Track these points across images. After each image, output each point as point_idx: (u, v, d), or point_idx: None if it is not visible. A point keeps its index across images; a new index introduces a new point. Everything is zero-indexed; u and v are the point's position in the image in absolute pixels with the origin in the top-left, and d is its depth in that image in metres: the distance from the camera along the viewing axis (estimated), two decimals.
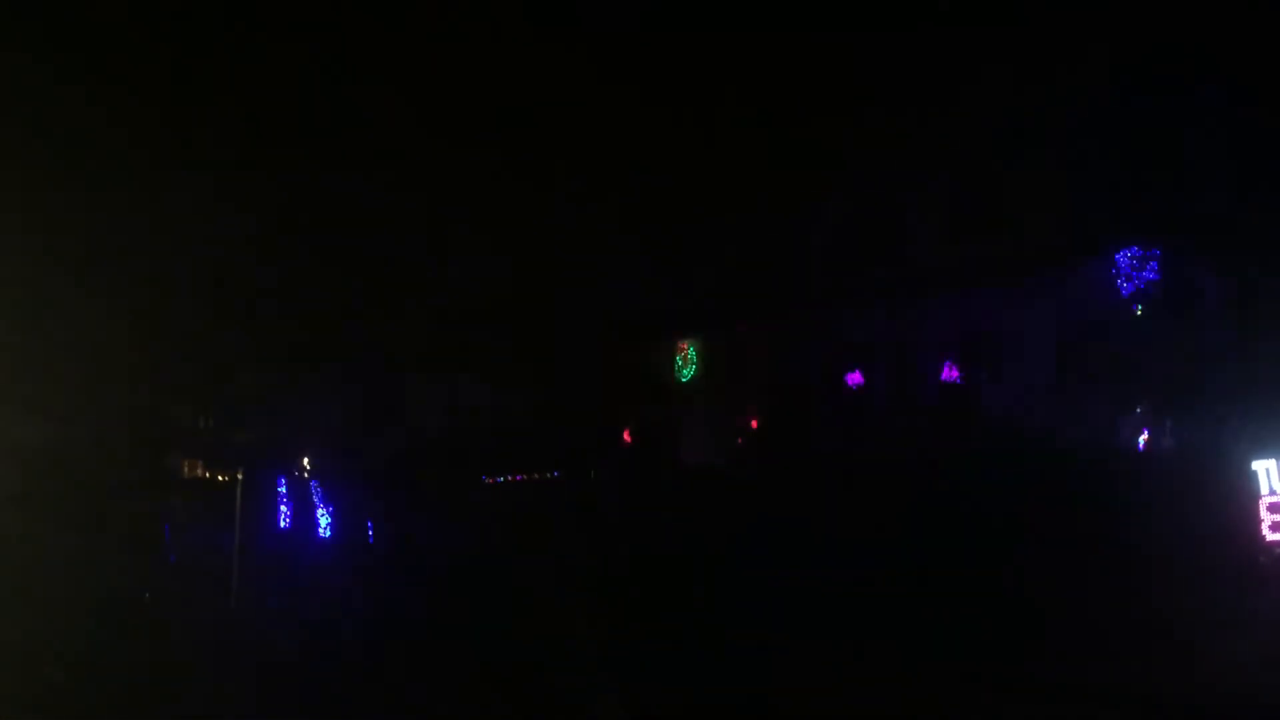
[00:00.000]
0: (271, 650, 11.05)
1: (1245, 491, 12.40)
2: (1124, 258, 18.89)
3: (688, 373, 30.95)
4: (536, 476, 27.84)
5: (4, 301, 23.67)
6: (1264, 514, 11.99)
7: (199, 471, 44.32)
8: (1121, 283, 18.93)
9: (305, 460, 23.33)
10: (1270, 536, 11.93)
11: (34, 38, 24.11)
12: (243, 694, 9.15)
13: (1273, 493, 12.03)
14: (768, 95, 27.06)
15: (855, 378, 25.27)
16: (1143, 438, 18.40)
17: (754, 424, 27.70)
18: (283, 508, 22.01)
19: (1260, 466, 12.15)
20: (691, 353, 30.84)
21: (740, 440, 26.52)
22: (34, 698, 8.09)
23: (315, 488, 21.20)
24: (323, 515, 20.87)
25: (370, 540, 19.76)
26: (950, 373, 22.41)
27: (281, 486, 22.14)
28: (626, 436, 30.31)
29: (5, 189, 22.65)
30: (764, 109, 27.67)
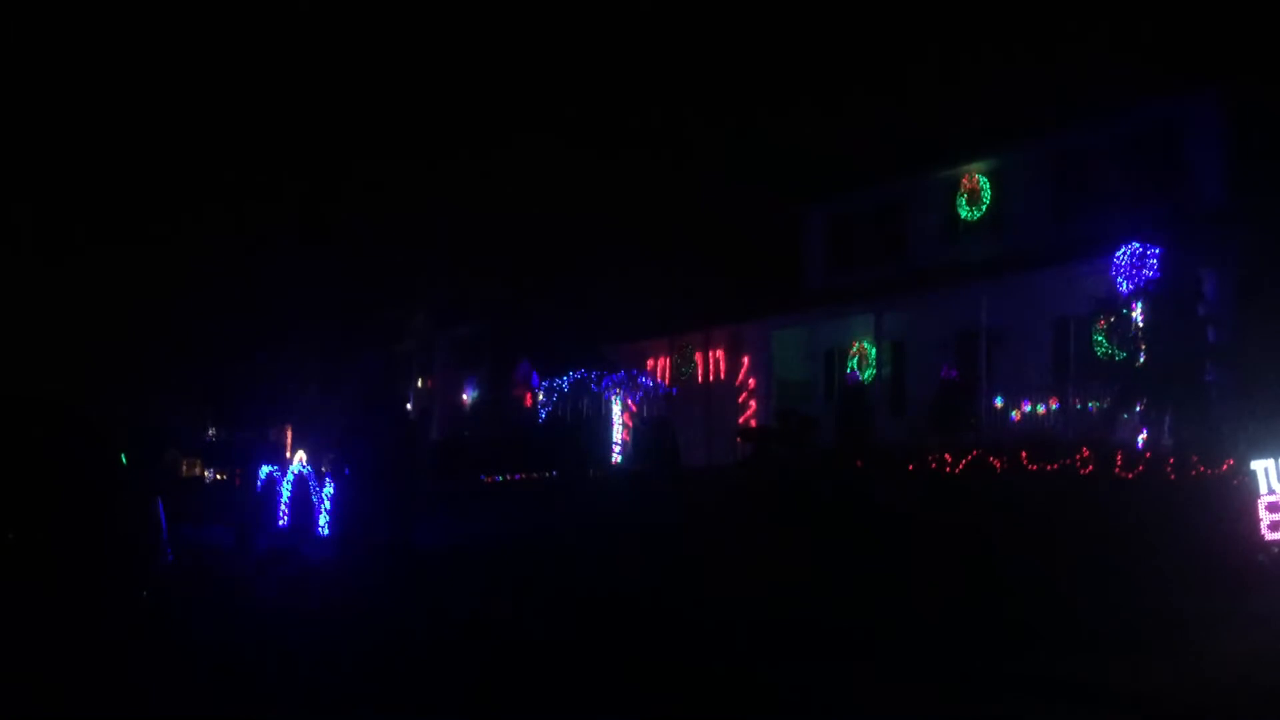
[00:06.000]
0: (270, 650, 11.04)
1: (1244, 491, 12.40)
2: (1124, 257, 18.87)
3: (686, 372, 31.01)
4: (535, 476, 27.87)
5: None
6: (1263, 514, 11.98)
7: (198, 469, 44.29)
8: (1121, 282, 18.92)
9: (304, 456, 23.28)
10: (1270, 536, 11.92)
11: None
12: (241, 693, 9.14)
13: (1272, 492, 12.01)
14: None
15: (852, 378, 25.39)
16: (1142, 437, 18.39)
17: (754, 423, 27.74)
18: (282, 506, 21.99)
19: (1259, 466, 12.14)
20: (690, 352, 30.91)
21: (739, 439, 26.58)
22: (30, 696, 8.07)
23: (314, 486, 21.17)
24: (322, 514, 20.83)
25: (367, 538, 19.72)
26: (949, 372, 22.43)
27: (281, 486, 22.10)
28: (625, 436, 30.35)
29: None
30: None
